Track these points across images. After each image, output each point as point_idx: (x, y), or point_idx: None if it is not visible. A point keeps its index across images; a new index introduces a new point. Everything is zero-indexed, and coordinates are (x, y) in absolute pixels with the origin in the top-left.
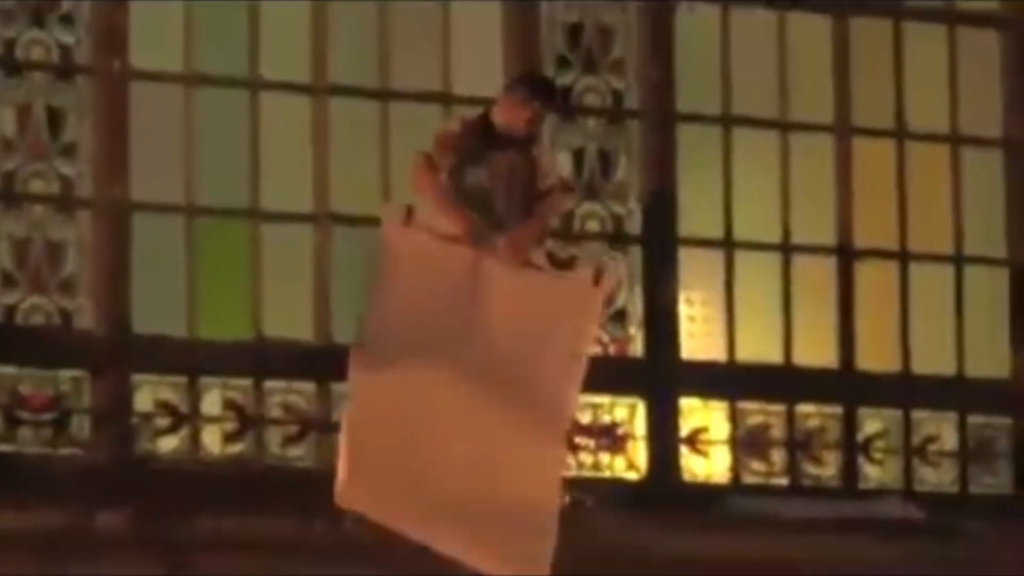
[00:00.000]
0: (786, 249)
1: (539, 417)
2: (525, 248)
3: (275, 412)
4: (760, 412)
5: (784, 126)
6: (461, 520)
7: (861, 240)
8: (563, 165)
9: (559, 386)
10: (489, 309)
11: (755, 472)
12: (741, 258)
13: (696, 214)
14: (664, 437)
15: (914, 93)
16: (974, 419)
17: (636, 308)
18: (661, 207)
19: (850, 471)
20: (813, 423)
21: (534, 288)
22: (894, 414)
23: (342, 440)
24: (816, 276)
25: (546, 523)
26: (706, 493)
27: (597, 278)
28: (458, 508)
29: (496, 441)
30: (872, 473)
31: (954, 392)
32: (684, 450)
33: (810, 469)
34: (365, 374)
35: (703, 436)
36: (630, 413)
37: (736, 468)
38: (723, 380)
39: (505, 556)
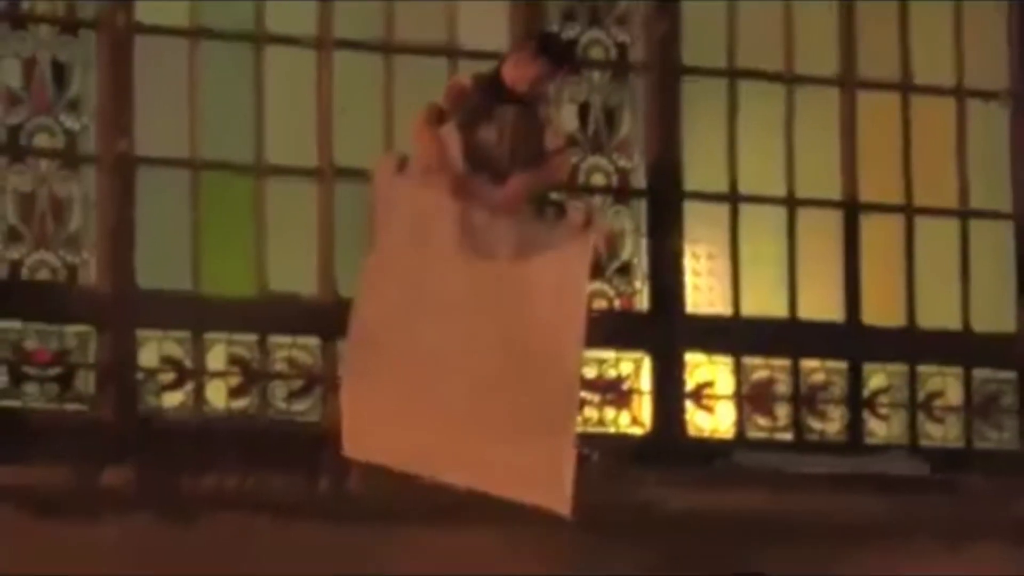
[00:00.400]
0: (791, 203)
1: (544, 366)
2: (519, 204)
3: (280, 367)
4: (765, 367)
5: (789, 79)
6: (476, 453)
7: (866, 194)
8: (568, 119)
9: (561, 333)
10: (482, 261)
11: (760, 427)
12: (746, 212)
13: (701, 168)
14: (669, 392)
15: (919, 46)
16: (980, 374)
17: (641, 262)
18: (666, 161)
19: (855, 426)
20: (818, 378)
21: (524, 238)
22: (899, 369)
23: (343, 392)
24: (821, 230)
25: (562, 458)
26: (711, 448)
27: (587, 221)
28: (471, 441)
29: (504, 385)
30: (877, 428)
31: (960, 347)
32: (689, 405)
33: (815, 424)
34: (364, 325)
35: (708, 391)
36: (635, 368)
37: (741, 423)
38: (728, 335)
39: (526, 480)
